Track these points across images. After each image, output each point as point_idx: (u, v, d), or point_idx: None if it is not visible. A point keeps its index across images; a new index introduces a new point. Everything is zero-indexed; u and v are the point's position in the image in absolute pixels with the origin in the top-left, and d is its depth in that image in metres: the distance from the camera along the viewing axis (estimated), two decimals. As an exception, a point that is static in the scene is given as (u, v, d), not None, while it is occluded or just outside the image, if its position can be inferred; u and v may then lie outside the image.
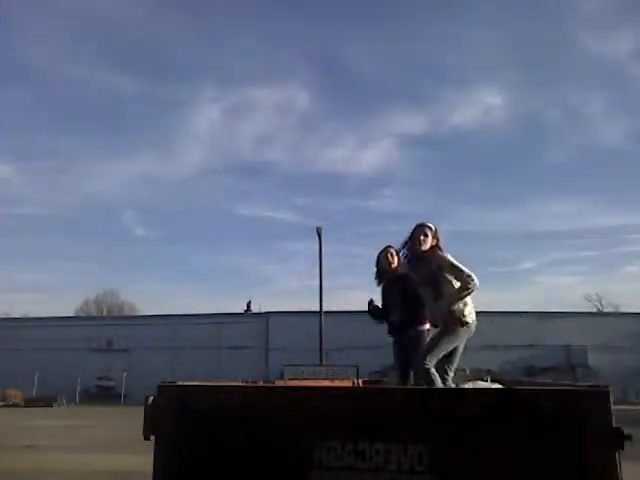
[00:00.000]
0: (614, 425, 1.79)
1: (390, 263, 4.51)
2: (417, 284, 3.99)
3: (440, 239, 3.92)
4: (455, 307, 3.63)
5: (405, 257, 4.16)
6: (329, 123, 63.37)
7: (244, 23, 58.79)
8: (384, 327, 4.61)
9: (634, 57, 54.57)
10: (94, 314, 47.15)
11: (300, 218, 61.31)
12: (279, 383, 5.00)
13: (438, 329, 3.80)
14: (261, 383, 4.34)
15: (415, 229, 3.92)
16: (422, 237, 3.85)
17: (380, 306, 4.62)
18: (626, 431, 1.78)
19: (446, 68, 59.51)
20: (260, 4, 57.55)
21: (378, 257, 4.61)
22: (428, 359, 3.53)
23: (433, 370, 3.53)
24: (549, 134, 59.77)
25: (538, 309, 31.28)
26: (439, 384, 3.50)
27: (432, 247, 3.87)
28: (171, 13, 55.55)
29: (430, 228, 3.89)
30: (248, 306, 33.63)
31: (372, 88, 60.74)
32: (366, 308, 4.60)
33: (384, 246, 4.65)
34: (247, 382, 3.81)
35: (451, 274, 3.69)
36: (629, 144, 58.08)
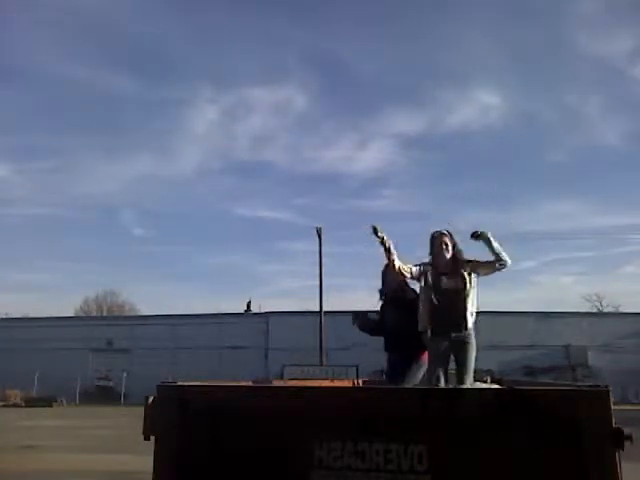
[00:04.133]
0: (614, 425, 1.79)
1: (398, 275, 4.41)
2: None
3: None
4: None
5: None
6: (328, 123, 63.34)
7: (243, 23, 58.70)
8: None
9: (633, 57, 54.52)
10: (94, 314, 47.07)
11: (300, 218, 61.17)
12: (279, 383, 4.99)
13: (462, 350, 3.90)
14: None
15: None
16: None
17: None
18: (626, 431, 1.78)
19: (445, 68, 59.47)
20: (259, 4, 57.54)
21: (384, 273, 4.42)
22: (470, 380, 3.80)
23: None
24: (548, 134, 59.73)
25: (538, 309, 31.23)
26: None
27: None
28: (170, 13, 55.53)
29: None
30: (248, 306, 33.61)
31: (371, 88, 60.70)
32: (365, 309, 4.57)
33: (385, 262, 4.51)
34: (256, 382, 3.80)
35: None
36: (629, 144, 58.07)
